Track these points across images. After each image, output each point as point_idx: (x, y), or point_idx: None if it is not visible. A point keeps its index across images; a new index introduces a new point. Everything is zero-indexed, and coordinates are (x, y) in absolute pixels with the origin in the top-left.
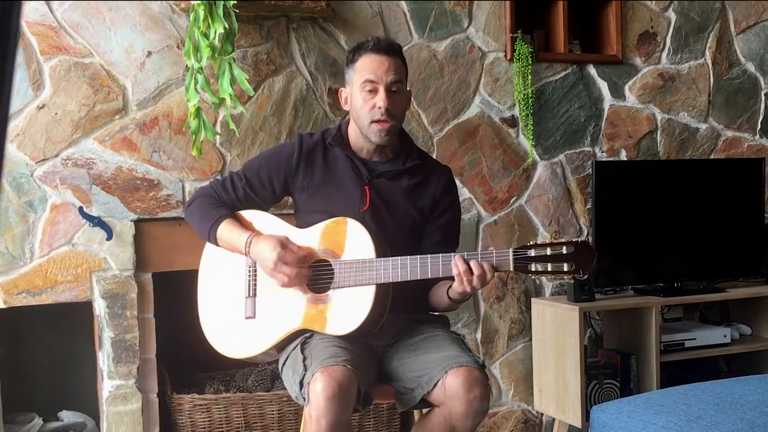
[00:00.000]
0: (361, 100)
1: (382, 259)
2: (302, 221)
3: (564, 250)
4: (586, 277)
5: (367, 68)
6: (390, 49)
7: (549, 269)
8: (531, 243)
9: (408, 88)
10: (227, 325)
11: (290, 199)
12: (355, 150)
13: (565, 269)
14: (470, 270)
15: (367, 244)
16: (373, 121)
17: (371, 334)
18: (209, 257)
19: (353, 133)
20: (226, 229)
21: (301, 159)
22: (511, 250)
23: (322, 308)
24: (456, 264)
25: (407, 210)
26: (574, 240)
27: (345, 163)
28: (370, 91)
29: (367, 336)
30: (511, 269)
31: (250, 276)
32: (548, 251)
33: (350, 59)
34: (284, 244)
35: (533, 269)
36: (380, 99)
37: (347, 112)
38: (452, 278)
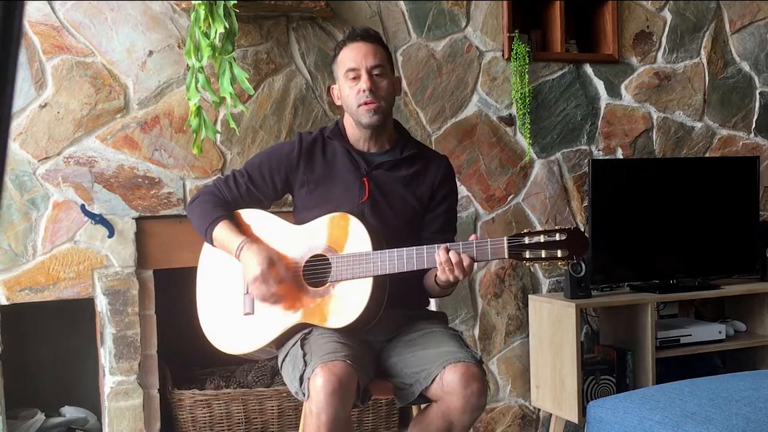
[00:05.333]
0: (347, 88)
1: (378, 251)
2: (301, 218)
3: (557, 237)
4: (582, 272)
5: (347, 58)
6: (365, 35)
7: (543, 256)
8: (525, 231)
9: (397, 75)
10: (226, 322)
11: (289, 197)
12: (353, 143)
13: (559, 255)
14: (450, 260)
15: (363, 237)
16: (359, 105)
17: (369, 328)
18: (208, 254)
19: (349, 127)
20: (222, 231)
21: (301, 155)
22: (505, 238)
23: (320, 302)
24: (438, 254)
25: (406, 199)
26: (567, 227)
27: (343, 156)
28: (353, 78)
29: (365, 329)
30: (506, 257)
31: None
32: (542, 238)
33: (334, 56)
34: (272, 261)
35: (527, 256)
36: (363, 82)
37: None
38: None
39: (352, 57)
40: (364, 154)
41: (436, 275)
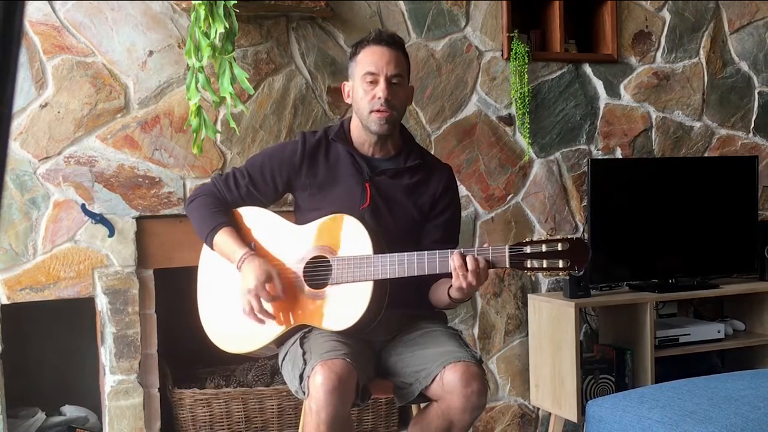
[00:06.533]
0: (362, 91)
1: (380, 255)
2: (302, 218)
3: (559, 247)
4: (580, 273)
5: (368, 60)
6: (391, 41)
7: (544, 266)
8: (527, 240)
9: (411, 84)
10: (227, 321)
11: (290, 196)
12: (357, 146)
13: (561, 266)
14: (465, 265)
15: (364, 240)
16: (372, 111)
17: (369, 330)
18: (209, 254)
19: (355, 129)
20: (224, 239)
21: (304, 157)
22: (507, 246)
23: (320, 304)
24: (453, 258)
25: (407, 208)
26: (569, 237)
27: (346, 159)
28: (370, 82)
29: (364, 332)
30: (507, 266)
31: None
32: (544, 248)
33: (353, 53)
34: (270, 277)
35: (529, 265)
36: (380, 90)
37: (347, 110)
38: (437, 278)
39: (374, 61)
40: (368, 159)
41: (449, 288)
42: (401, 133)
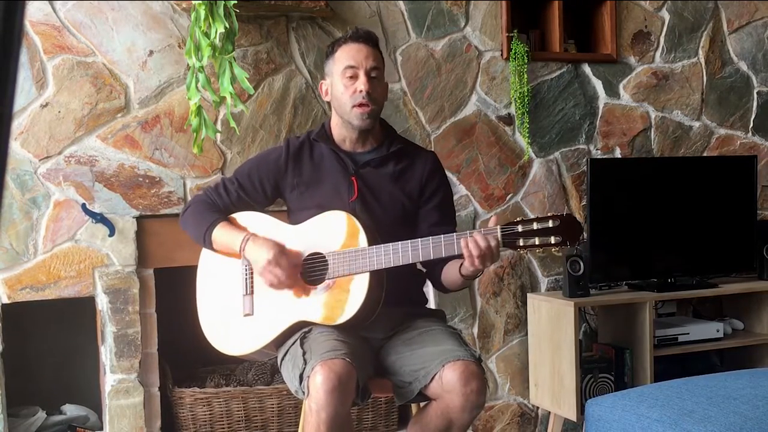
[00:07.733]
0: (342, 86)
1: (374, 246)
2: (295, 218)
3: (550, 224)
4: (580, 271)
5: (347, 56)
6: (368, 37)
7: (537, 243)
8: (518, 219)
9: (385, 81)
10: (226, 323)
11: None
12: (339, 143)
13: (552, 242)
14: (480, 246)
15: (359, 233)
16: (354, 105)
17: (368, 324)
18: (208, 256)
19: (336, 127)
20: (221, 232)
21: (288, 159)
22: (498, 226)
23: (318, 299)
24: (468, 241)
25: (395, 196)
26: (559, 214)
27: (330, 157)
28: (350, 77)
29: (363, 325)
30: (500, 245)
31: (247, 274)
32: (535, 225)
33: (330, 51)
34: (281, 246)
35: (521, 244)
36: (361, 83)
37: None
38: (447, 260)
39: (353, 56)
40: (351, 154)
41: (460, 266)
42: (381, 126)
